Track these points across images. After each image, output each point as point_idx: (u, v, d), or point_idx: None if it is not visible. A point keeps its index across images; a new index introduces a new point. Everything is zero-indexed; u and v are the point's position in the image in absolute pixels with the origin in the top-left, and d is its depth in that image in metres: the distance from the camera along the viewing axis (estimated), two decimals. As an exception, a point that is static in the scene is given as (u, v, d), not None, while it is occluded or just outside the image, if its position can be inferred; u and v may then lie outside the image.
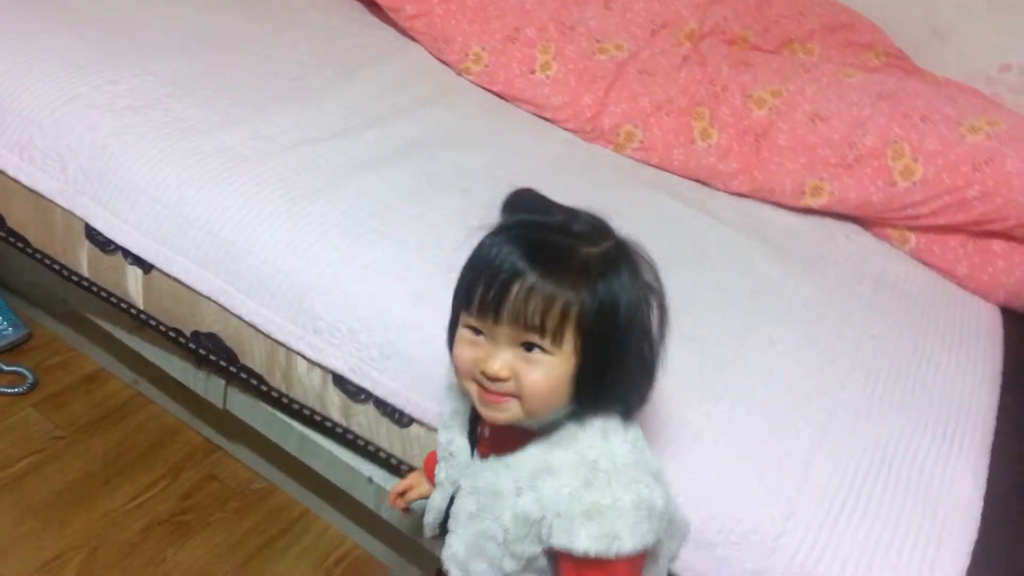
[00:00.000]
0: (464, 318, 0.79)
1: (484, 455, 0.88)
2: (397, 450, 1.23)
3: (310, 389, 1.24)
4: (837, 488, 1.07)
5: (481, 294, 0.76)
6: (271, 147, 1.38)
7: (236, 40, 1.65)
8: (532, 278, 0.74)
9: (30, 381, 1.61)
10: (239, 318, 1.24)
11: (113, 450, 1.56)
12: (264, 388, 1.30)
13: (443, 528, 0.94)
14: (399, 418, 1.19)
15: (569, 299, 0.75)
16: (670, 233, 1.46)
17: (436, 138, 1.54)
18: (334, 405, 1.23)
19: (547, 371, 0.77)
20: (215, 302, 1.25)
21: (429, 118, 1.60)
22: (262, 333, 1.23)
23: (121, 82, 1.42)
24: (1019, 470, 1.20)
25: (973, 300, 1.58)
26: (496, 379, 0.77)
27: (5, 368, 1.62)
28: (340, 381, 1.21)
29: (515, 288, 0.74)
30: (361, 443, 1.26)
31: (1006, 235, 1.56)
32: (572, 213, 0.81)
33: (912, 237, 1.66)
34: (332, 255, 1.22)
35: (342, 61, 1.69)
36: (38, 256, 1.40)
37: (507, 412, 0.78)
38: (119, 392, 1.67)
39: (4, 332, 1.66)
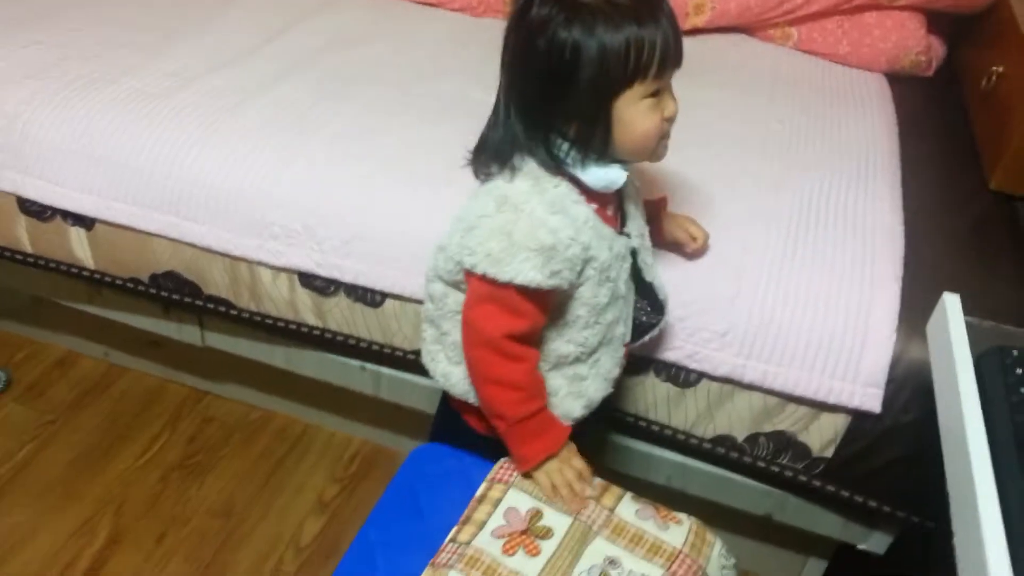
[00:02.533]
0: (639, 88, 0.83)
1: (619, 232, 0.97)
2: (377, 335, 1.29)
3: (279, 299, 1.29)
4: (775, 243, 1.18)
5: (662, 49, 0.81)
6: (179, 81, 1.39)
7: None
8: (668, 5, 0.84)
9: (3, 379, 1.62)
10: (192, 246, 1.27)
11: (106, 420, 1.60)
12: (235, 312, 1.35)
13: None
14: (372, 298, 1.25)
15: None
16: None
17: (334, 42, 1.56)
18: (306, 307, 1.28)
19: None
20: (165, 237, 1.28)
21: (323, 25, 1.62)
22: (219, 254, 1.27)
23: (10, 56, 1.40)
24: (924, 195, 1.33)
25: (860, 73, 1.69)
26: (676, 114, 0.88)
27: (-27, 373, 1.63)
28: (307, 280, 1.26)
29: (679, 28, 0.84)
30: (341, 339, 1.33)
31: (875, 5, 1.66)
32: None
33: (794, 31, 1.75)
34: (269, 162, 1.25)
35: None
36: (-25, 248, 1.40)
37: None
38: (93, 368, 1.70)
39: (-39, 341, 1.66)
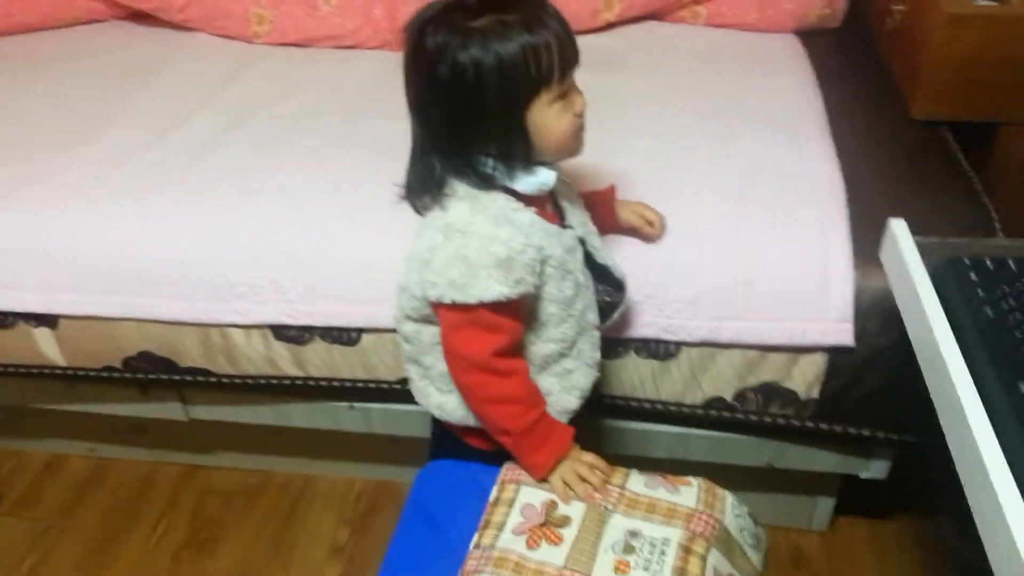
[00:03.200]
0: (545, 96, 0.86)
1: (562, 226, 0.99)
2: (360, 372, 1.31)
3: (256, 357, 1.29)
4: (726, 208, 1.22)
5: (558, 52, 0.84)
6: (110, 166, 1.38)
7: (32, 94, 1.62)
8: (555, 11, 0.87)
9: (-8, 496, 1.60)
10: (159, 322, 1.27)
11: (105, 514, 1.58)
12: (214, 379, 1.35)
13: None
14: (348, 337, 1.26)
15: None
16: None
17: (259, 101, 1.57)
18: (285, 359, 1.29)
19: None
20: (130, 319, 1.28)
21: (244, 87, 1.63)
22: (188, 325, 1.27)
23: None
24: (854, 137, 1.39)
25: (772, 37, 1.75)
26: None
27: (-40, 496, 1.60)
28: (280, 332, 1.27)
29: (569, 29, 0.87)
30: (324, 383, 1.33)
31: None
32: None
33: (702, 9, 1.80)
34: (219, 226, 1.26)
35: (137, 71, 1.68)
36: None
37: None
38: (81, 466, 1.68)
39: (-59, 467, 1.63)
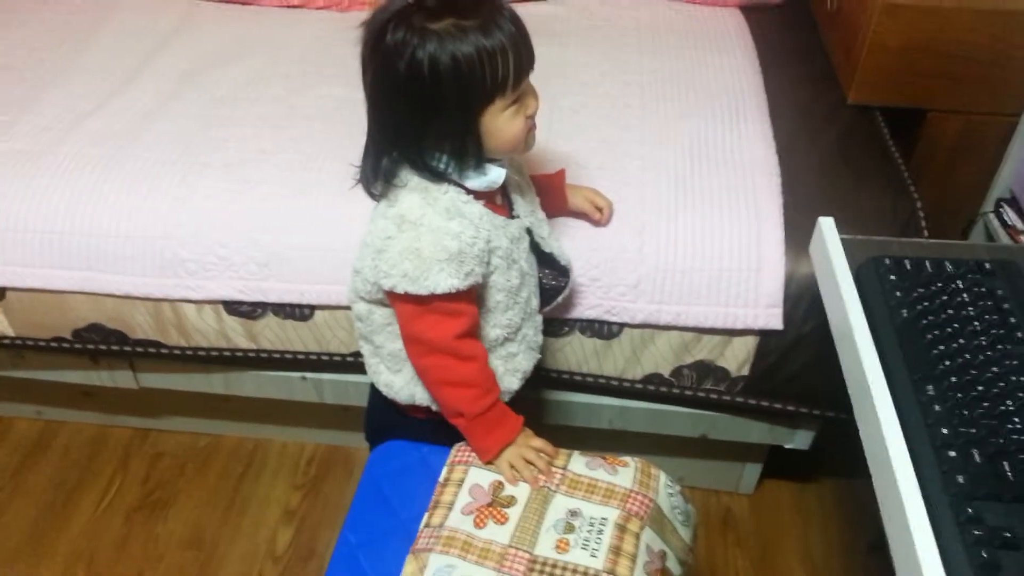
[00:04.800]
0: (500, 103, 0.88)
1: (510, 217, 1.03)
2: (312, 346, 1.34)
3: (208, 330, 1.31)
4: (668, 193, 1.27)
5: (514, 60, 0.87)
6: (55, 135, 1.37)
7: None
8: (514, 15, 0.89)
9: (-63, 460, 1.60)
10: (111, 296, 1.28)
11: (55, 477, 1.60)
12: (166, 351, 1.36)
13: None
14: (301, 313, 1.29)
15: None
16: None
17: (203, 64, 1.56)
18: (237, 333, 1.31)
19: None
20: (80, 293, 1.28)
21: (187, 48, 1.61)
22: (139, 299, 1.28)
23: None
24: (791, 120, 1.44)
25: (717, 11, 1.78)
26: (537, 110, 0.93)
27: (-95, 460, 1.60)
28: (232, 308, 1.29)
29: (527, 34, 0.89)
30: (277, 356, 1.36)
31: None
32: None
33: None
34: (168, 200, 1.26)
35: (78, 30, 1.64)
36: None
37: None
38: (28, 428, 1.68)
39: None
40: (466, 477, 1.00)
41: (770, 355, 1.26)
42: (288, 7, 1.78)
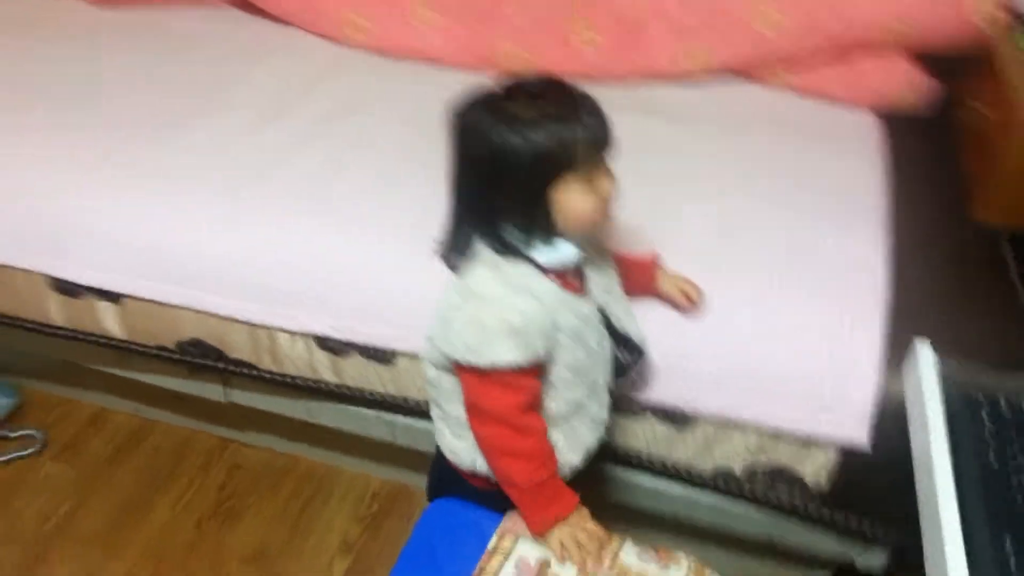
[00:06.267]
0: (569, 180, 0.91)
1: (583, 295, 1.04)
2: (391, 389, 1.37)
3: (298, 360, 1.37)
4: (764, 286, 1.25)
5: (585, 142, 0.90)
6: (195, 159, 1.46)
7: (129, 75, 1.69)
8: (592, 102, 0.93)
9: (41, 439, 1.71)
10: (215, 315, 1.35)
11: (141, 473, 1.68)
12: (257, 373, 1.43)
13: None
14: (384, 357, 1.33)
15: None
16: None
17: (337, 112, 1.62)
18: (324, 366, 1.37)
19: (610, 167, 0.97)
20: (189, 309, 1.36)
21: (326, 96, 1.67)
22: (240, 323, 1.35)
23: (49, 142, 1.48)
24: (907, 237, 1.39)
25: (851, 112, 1.74)
26: (614, 191, 0.95)
27: (12, 435, 1.72)
28: (323, 342, 1.34)
29: (604, 118, 0.92)
30: (357, 393, 1.40)
31: (865, 45, 1.71)
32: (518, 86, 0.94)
33: (790, 76, 1.79)
34: (281, 235, 1.33)
35: (233, 64, 1.75)
36: (9, 322, 1.49)
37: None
38: (125, 423, 1.78)
39: (-1, 404, 1.76)
40: (514, 548, 1.00)
41: (852, 470, 1.21)
42: (426, 64, 1.83)
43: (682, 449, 1.28)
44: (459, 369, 0.98)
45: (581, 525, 1.02)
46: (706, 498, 1.35)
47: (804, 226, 1.37)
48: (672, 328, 1.21)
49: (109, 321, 1.43)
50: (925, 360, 0.99)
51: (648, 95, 1.78)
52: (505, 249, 0.96)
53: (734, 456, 1.26)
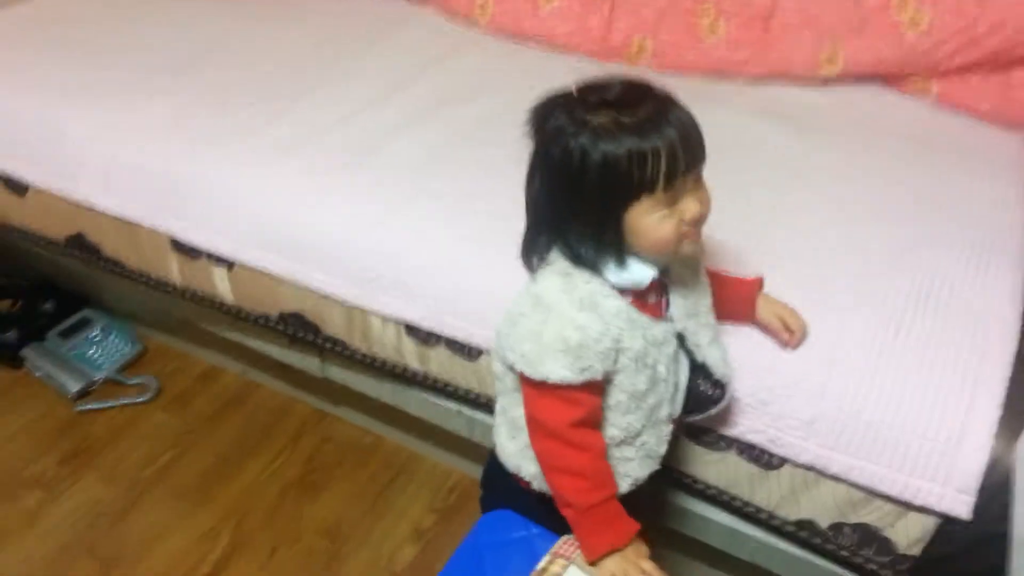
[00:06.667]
0: (647, 203, 0.85)
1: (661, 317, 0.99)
2: (473, 384, 1.36)
3: (387, 344, 1.38)
4: (877, 329, 1.15)
5: (668, 162, 0.83)
6: (311, 131, 1.52)
7: (254, 42, 1.79)
8: (687, 118, 0.86)
9: (154, 388, 1.82)
10: (315, 292, 1.39)
11: (238, 433, 1.76)
12: (348, 352, 1.45)
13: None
14: (469, 353, 1.32)
15: None
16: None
17: (455, 94, 1.65)
18: (411, 353, 1.37)
19: (705, 183, 0.90)
20: (292, 282, 1.40)
21: (446, 76, 1.71)
22: (337, 302, 1.38)
23: (163, 103, 1.57)
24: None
25: (1000, 134, 1.60)
26: (703, 215, 0.89)
27: (130, 382, 1.83)
28: (412, 330, 1.35)
29: (691, 134, 0.86)
30: (440, 384, 1.41)
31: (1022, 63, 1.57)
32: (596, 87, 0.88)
33: (934, 85, 1.68)
34: (381, 218, 1.35)
35: (358, 37, 1.81)
36: (135, 276, 1.59)
37: (700, 238, 0.92)
38: (232, 383, 1.87)
39: (123, 351, 1.88)
40: (563, 574, 0.97)
41: (949, 543, 1.10)
42: (550, 51, 1.83)
43: (765, 493, 1.20)
44: (520, 376, 0.95)
45: (636, 561, 0.97)
46: (787, 548, 1.26)
47: (932, 261, 1.26)
48: (765, 361, 1.13)
49: (221, 285, 1.49)
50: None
51: (774, 95, 1.70)
52: (580, 262, 0.92)
53: (821, 509, 1.17)
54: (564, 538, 1.01)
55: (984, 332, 1.15)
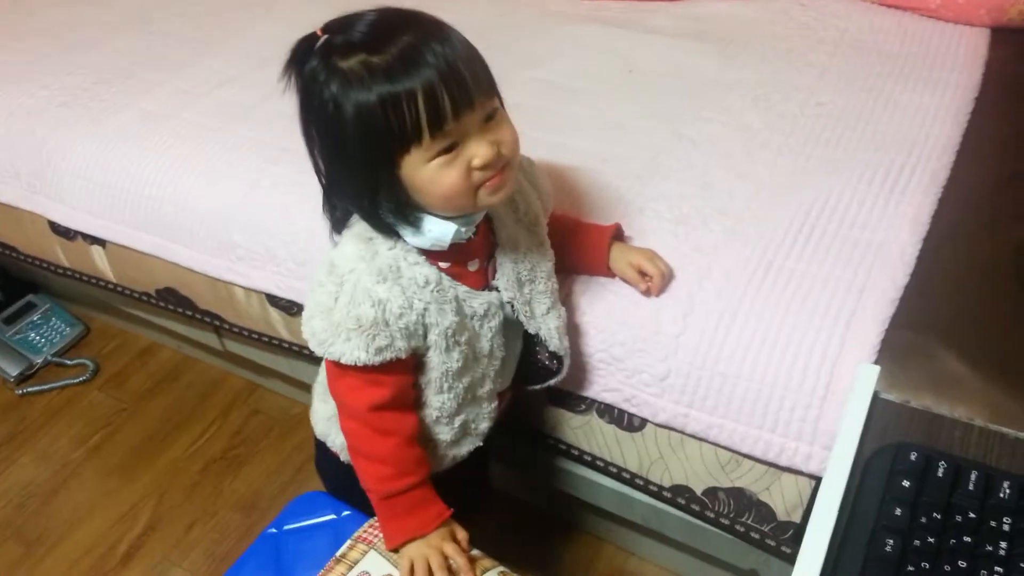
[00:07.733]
0: (428, 147, 0.73)
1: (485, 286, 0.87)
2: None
3: (255, 315, 1.31)
4: (745, 271, 1.00)
5: (432, 104, 0.70)
6: (186, 99, 1.44)
7: (127, 17, 1.72)
8: (452, 50, 0.72)
9: (92, 368, 1.81)
10: (181, 266, 1.33)
11: (170, 409, 1.74)
12: (226, 326, 1.39)
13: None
14: (336, 318, 1.24)
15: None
16: (598, 61, 1.42)
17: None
18: (278, 323, 1.30)
19: (508, 120, 0.77)
20: (158, 257, 1.34)
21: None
22: (199, 274, 1.31)
23: (52, 83, 1.52)
24: (964, 213, 1.06)
25: (954, 30, 1.40)
26: (497, 157, 0.74)
27: (69, 363, 1.83)
28: (274, 300, 1.27)
29: (460, 69, 0.71)
30: (307, 351, 1.32)
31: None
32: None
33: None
34: (237, 184, 1.27)
35: (241, 13, 1.72)
36: (30, 261, 1.56)
37: (511, 180, 0.78)
38: (169, 359, 1.84)
39: (63, 332, 1.87)
40: (362, 560, 0.89)
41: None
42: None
43: (635, 456, 1.08)
44: None
45: (440, 545, 0.88)
46: (677, 513, 1.14)
47: (825, 189, 1.10)
48: (617, 314, 1.01)
49: (101, 264, 1.45)
50: (863, 389, 0.73)
51: (699, 13, 1.53)
52: (374, 222, 0.80)
53: (692, 473, 1.04)
54: (370, 521, 0.93)
55: (872, 266, 1.00)
